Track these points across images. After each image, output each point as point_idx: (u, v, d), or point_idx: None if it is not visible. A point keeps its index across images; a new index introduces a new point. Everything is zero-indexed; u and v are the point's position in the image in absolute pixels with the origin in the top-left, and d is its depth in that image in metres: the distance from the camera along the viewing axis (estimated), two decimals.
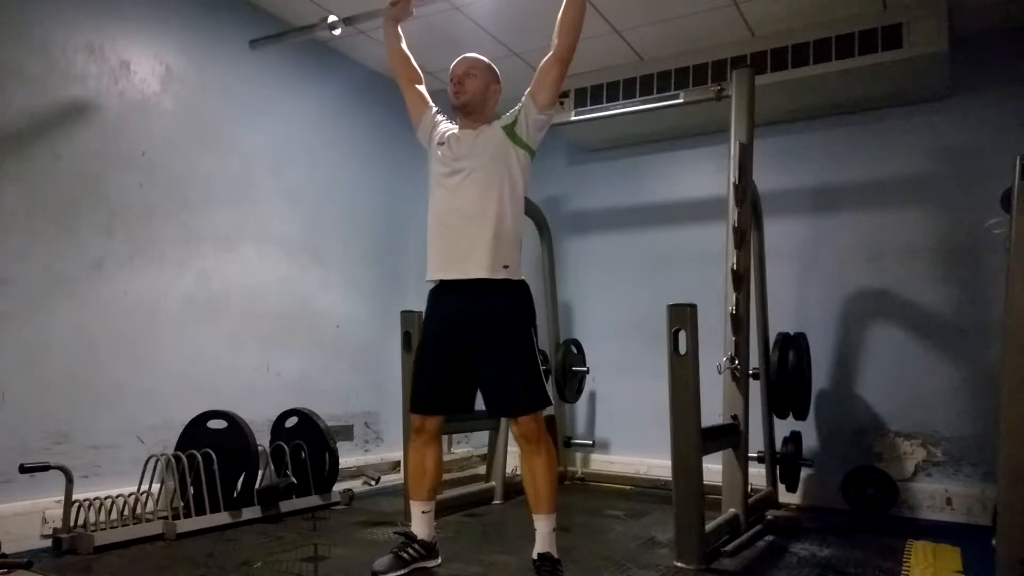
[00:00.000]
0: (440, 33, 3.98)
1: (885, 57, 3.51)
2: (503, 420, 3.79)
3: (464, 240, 2.33)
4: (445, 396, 2.44)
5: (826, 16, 3.67)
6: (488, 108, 2.46)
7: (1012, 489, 2.38)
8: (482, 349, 2.34)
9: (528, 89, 2.40)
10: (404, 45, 2.69)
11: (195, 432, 3.16)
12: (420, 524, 2.47)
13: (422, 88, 2.62)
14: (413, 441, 2.49)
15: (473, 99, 2.41)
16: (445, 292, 2.41)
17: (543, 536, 2.31)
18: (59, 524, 2.66)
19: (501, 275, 2.33)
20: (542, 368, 2.38)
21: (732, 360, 3.04)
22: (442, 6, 3.70)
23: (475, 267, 2.32)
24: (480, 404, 2.47)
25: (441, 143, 2.45)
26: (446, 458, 4.63)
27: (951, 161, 3.82)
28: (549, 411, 4.69)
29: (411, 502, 2.51)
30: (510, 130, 2.38)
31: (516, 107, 2.42)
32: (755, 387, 3.46)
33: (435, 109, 2.58)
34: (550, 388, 4.49)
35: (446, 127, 2.51)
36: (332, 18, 3.14)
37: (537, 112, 2.37)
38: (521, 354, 2.33)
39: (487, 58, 2.54)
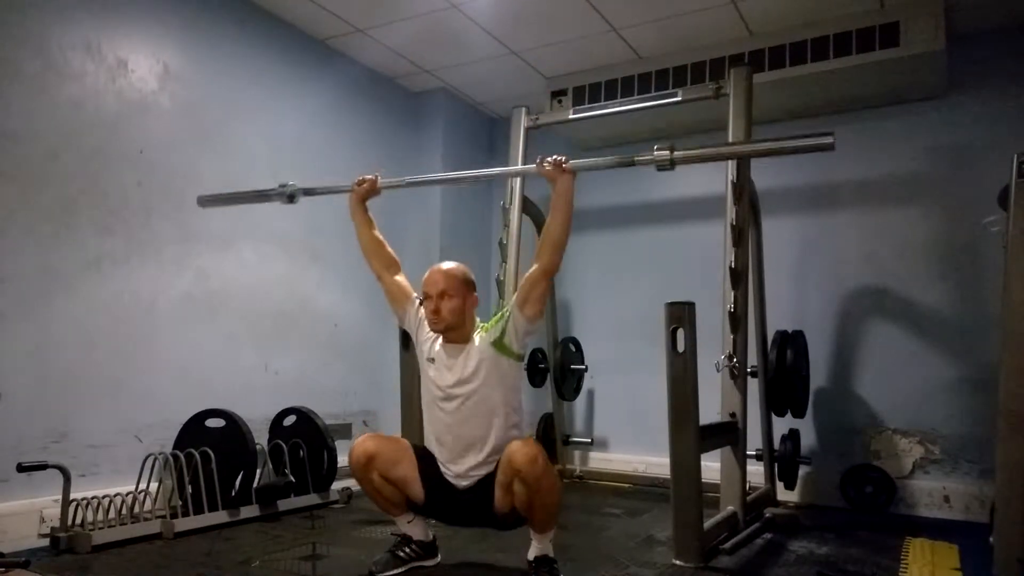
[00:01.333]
0: (438, 31, 3.98)
1: (882, 55, 3.52)
2: None
3: (470, 457, 2.33)
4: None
5: (824, 15, 3.68)
6: (468, 322, 2.39)
7: (1009, 486, 2.38)
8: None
9: (513, 299, 2.38)
10: (376, 230, 2.57)
11: (193, 431, 3.16)
12: (411, 529, 2.46)
13: (400, 278, 2.54)
14: (363, 473, 2.35)
15: (453, 321, 2.34)
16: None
17: (539, 545, 2.31)
18: (57, 523, 2.65)
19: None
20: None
21: (730, 358, 3.04)
22: (440, 4, 3.70)
23: (481, 473, 2.33)
24: None
25: (431, 359, 2.40)
26: None
27: (948, 159, 3.82)
28: (548, 409, 4.71)
29: (392, 518, 2.49)
30: (499, 344, 2.34)
31: (502, 315, 2.37)
32: (753, 385, 3.47)
33: (418, 302, 2.47)
34: (549, 386, 4.50)
35: (430, 332, 2.42)
36: (292, 184, 2.84)
37: (526, 324, 2.33)
38: None
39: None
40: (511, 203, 3.97)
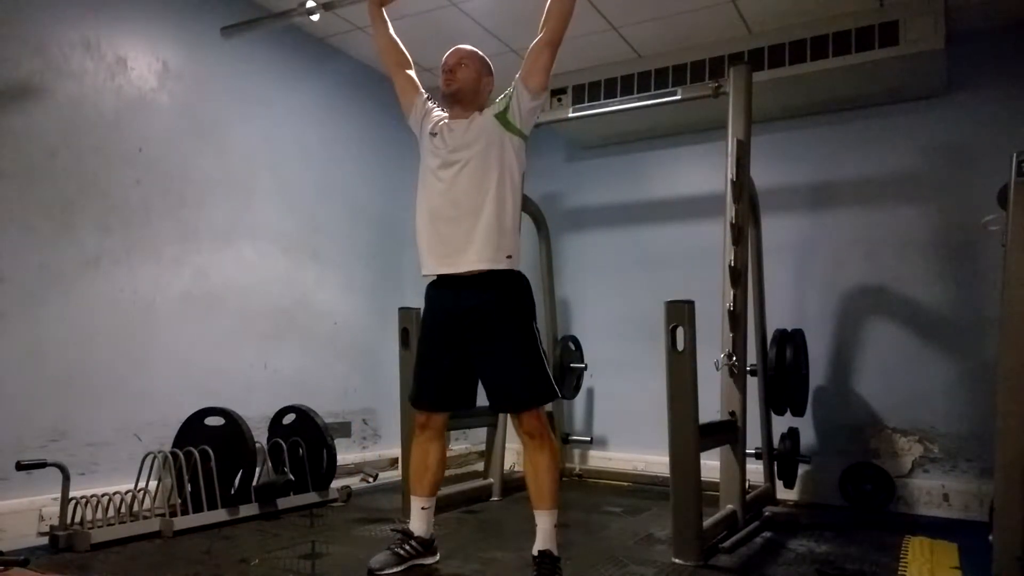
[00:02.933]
0: (436, 29, 3.97)
1: (882, 54, 3.52)
2: (501, 417, 3.79)
3: (462, 232, 2.31)
4: (448, 392, 2.43)
5: (823, 13, 3.67)
6: (480, 99, 2.44)
7: (1008, 485, 2.38)
8: (483, 343, 2.32)
9: (518, 74, 2.38)
10: (391, 30, 2.63)
11: (192, 429, 3.15)
12: (419, 520, 2.46)
13: (411, 73, 2.59)
14: (417, 436, 2.47)
15: (465, 88, 2.39)
16: (444, 286, 2.40)
17: (544, 532, 2.30)
18: (56, 521, 2.65)
19: (503, 265, 2.32)
20: (546, 362, 2.37)
21: (730, 356, 3.04)
22: (439, 2, 3.69)
23: (475, 259, 2.30)
24: (481, 398, 2.46)
25: (433, 133, 2.42)
26: None
27: (948, 158, 3.82)
28: (548, 408, 4.71)
29: (412, 497, 2.50)
30: (502, 117, 2.36)
31: (506, 92, 2.39)
32: (753, 383, 3.47)
33: (426, 95, 2.54)
34: None
35: (437, 115, 2.48)
36: (310, 3, 2.96)
37: (529, 98, 2.34)
38: (523, 348, 2.31)
39: (483, 53, 2.52)
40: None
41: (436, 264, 2.38)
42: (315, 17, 3.08)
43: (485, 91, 2.47)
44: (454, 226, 2.32)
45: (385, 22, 2.65)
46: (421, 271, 2.44)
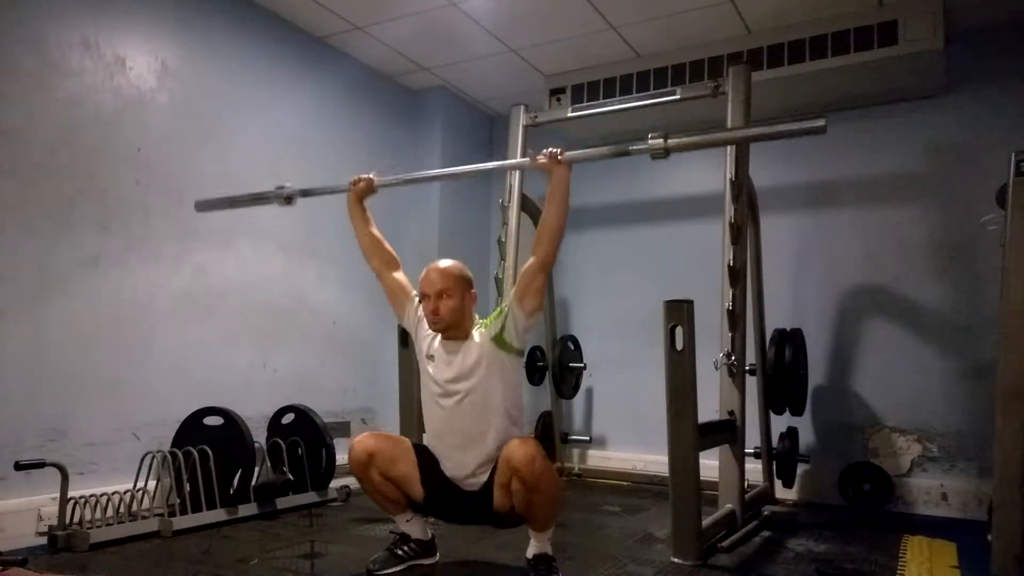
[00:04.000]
0: (437, 29, 3.97)
1: (881, 54, 3.52)
2: None
3: (468, 457, 2.32)
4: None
5: (822, 13, 3.68)
6: (467, 320, 2.38)
7: (1007, 484, 2.39)
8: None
9: (512, 294, 2.37)
10: (374, 228, 2.57)
11: (191, 429, 3.15)
12: (410, 528, 2.46)
13: (400, 275, 2.53)
14: (363, 471, 2.35)
15: (452, 320, 2.33)
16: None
17: (537, 544, 2.30)
18: (55, 521, 2.65)
19: None
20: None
21: (729, 356, 3.04)
22: (439, 1, 3.69)
23: (482, 481, 2.32)
24: None
25: (430, 356, 2.39)
26: None
27: (947, 157, 3.82)
28: (547, 407, 4.70)
29: (391, 516, 2.49)
30: (499, 339, 2.33)
31: (502, 311, 2.37)
32: (752, 383, 3.47)
33: (417, 300, 2.45)
34: (547, 384, 4.50)
35: (431, 331, 2.41)
36: (289, 185, 2.82)
37: (524, 318, 2.33)
38: None
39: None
40: (510, 201, 3.97)
41: (444, 467, 2.38)
42: (292, 204, 2.88)
43: (470, 308, 2.41)
44: (461, 452, 2.33)
45: (368, 220, 2.58)
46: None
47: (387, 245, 2.57)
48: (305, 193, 2.86)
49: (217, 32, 3.60)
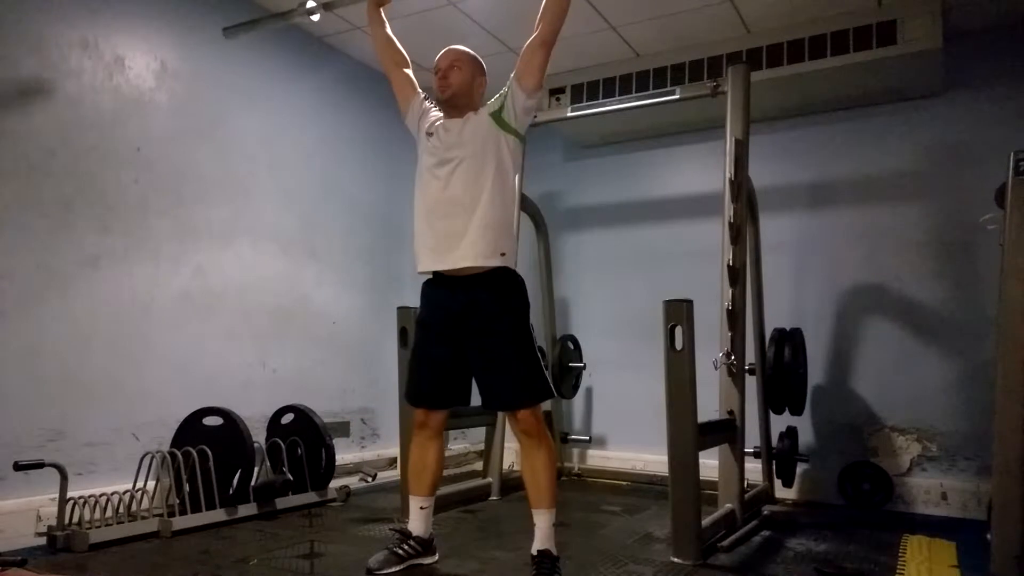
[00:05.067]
0: (434, 28, 3.97)
1: (880, 54, 3.52)
2: (500, 416, 3.79)
3: (457, 230, 2.30)
4: (444, 388, 2.43)
5: (821, 13, 3.68)
6: (474, 100, 2.44)
7: (1007, 483, 2.39)
8: (478, 340, 2.32)
9: (512, 73, 2.37)
10: (388, 30, 2.65)
11: (191, 429, 3.15)
12: (417, 520, 2.46)
13: (409, 72, 2.60)
14: (415, 436, 2.47)
15: (459, 92, 2.39)
16: (439, 283, 2.40)
17: (543, 531, 2.30)
18: (54, 522, 2.64)
19: (497, 262, 2.31)
20: (541, 361, 2.36)
21: (728, 356, 3.04)
22: (437, 1, 3.69)
23: (470, 256, 2.29)
24: (476, 398, 2.46)
25: (430, 133, 2.43)
26: None
27: (946, 157, 3.83)
28: (546, 407, 4.72)
29: (410, 497, 2.50)
30: (497, 116, 2.36)
31: (501, 92, 2.39)
32: (751, 383, 3.47)
33: (423, 95, 2.56)
34: None
35: (434, 115, 2.49)
36: (311, 3, 2.93)
37: (524, 97, 2.34)
38: (517, 346, 2.30)
39: (477, 53, 2.52)
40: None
41: (431, 260, 2.38)
42: (315, 17, 3.04)
43: (478, 91, 2.47)
44: (449, 223, 2.32)
45: (383, 22, 2.66)
46: (417, 268, 2.44)
47: (398, 45, 2.64)
48: (328, 6, 2.99)
49: (216, 32, 3.59)
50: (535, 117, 2.50)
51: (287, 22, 3.13)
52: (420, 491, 2.46)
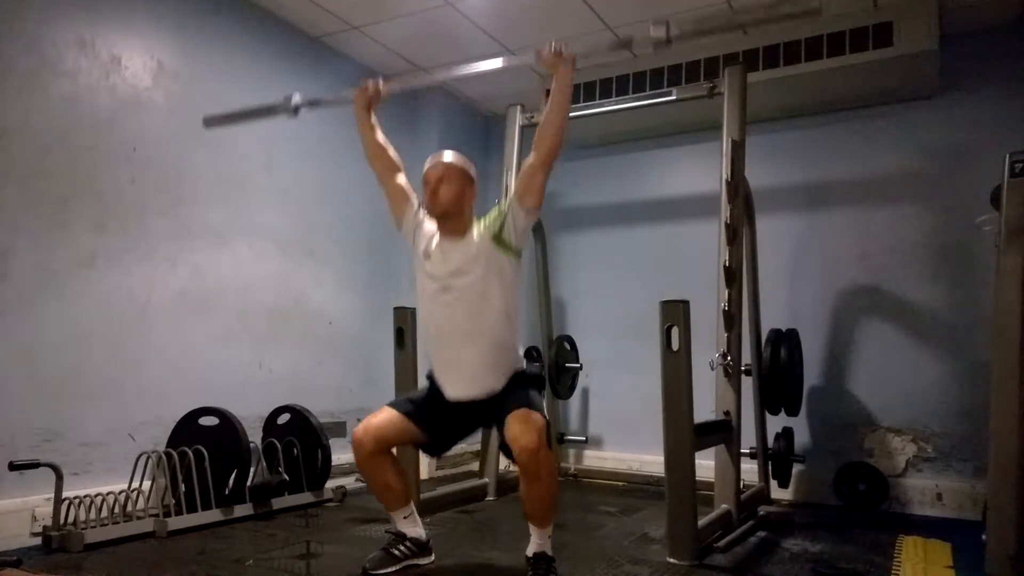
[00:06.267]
0: (433, 29, 3.97)
1: (876, 55, 3.53)
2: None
3: (466, 361, 2.33)
4: (452, 441, 2.51)
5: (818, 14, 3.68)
6: (466, 212, 2.38)
7: (1001, 484, 2.40)
8: (489, 420, 2.41)
9: (512, 192, 2.37)
10: (380, 135, 2.56)
11: (187, 429, 3.15)
12: (406, 526, 2.46)
13: (402, 179, 2.53)
14: (360, 462, 2.37)
15: (450, 208, 2.34)
16: (452, 402, 2.40)
17: (539, 540, 2.30)
18: (49, 522, 2.64)
19: (506, 382, 2.35)
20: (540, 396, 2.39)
21: (724, 356, 3.05)
22: (435, 1, 3.69)
23: (482, 387, 2.33)
24: None
25: (427, 255, 2.39)
26: None
27: (941, 158, 3.84)
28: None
29: (388, 512, 2.48)
30: (498, 238, 2.33)
31: (500, 210, 2.37)
32: (747, 383, 3.48)
33: (416, 204, 2.47)
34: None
35: (428, 228, 2.43)
36: (296, 99, 2.76)
37: (524, 217, 2.34)
38: (522, 390, 2.34)
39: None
40: (503, 198, 3.97)
41: (446, 387, 2.39)
42: (299, 113, 2.83)
43: (470, 202, 2.41)
44: (457, 354, 2.34)
45: (373, 127, 2.57)
46: (432, 375, 2.45)
47: (391, 151, 2.57)
48: (313, 104, 2.83)
49: (213, 31, 3.60)
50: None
51: (270, 117, 2.96)
52: (395, 506, 2.44)
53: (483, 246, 2.33)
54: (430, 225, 2.44)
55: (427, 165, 2.41)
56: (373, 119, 2.57)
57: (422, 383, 2.59)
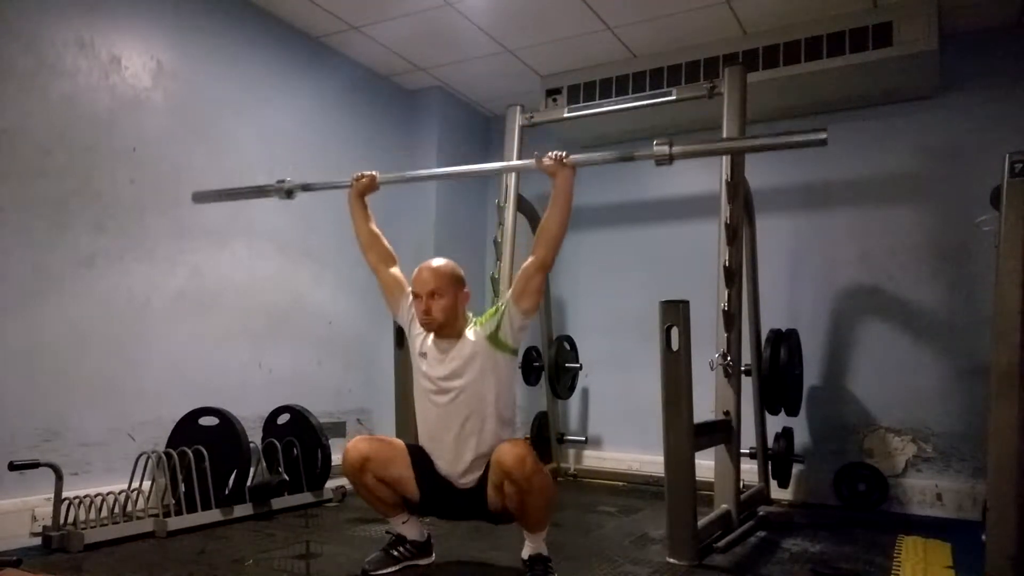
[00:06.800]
0: (433, 29, 3.97)
1: (875, 55, 3.54)
2: None
3: (462, 456, 2.31)
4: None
5: (817, 14, 3.69)
6: (460, 318, 2.37)
7: (1001, 484, 2.39)
8: None
9: (509, 293, 2.38)
10: (374, 224, 2.58)
11: (186, 429, 3.15)
12: (405, 529, 2.45)
13: (396, 270, 2.54)
14: (353, 478, 2.37)
15: (444, 320, 2.33)
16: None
17: (532, 544, 2.30)
18: (49, 522, 2.64)
19: None
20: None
21: (724, 356, 3.05)
22: (435, 1, 3.69)
23: (472, 478, 2.33)
24: None
25: (423, 353, 2.39)
26: None
27: (941, 158, 3.84)
28: (542, 407, 4.70)
29: (386, 519, 2.48)
30: (494, 338, 2.33)
31: (497, 309, 2.37)
32: (747, 383, 3.48)
33: (411, 297, 2.44)
34: (543, 385, 4.50)
35: (423, 330, 2.42)
36: (289, 182, 2.80)
37: (520, 317, 2.33)
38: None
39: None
40: (506, 201, 3.97)
41: (438, 460, 2.37)
42: (293, 198, 2.87)
43: (463, 306, 2.40)
44: (455, 451, 2.32)
45: (367, 216, 2.59)
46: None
47: (385, 241, 2.58)
48: (307, 188, 2.85)
49: (213, 31, 3.59)
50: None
51: (262, 197, 2.98)
52: (391, 513, 2.44)
53: (478, 347, 2.33)
54: None
55: (415, 276, 2.38)
56: (368, 210, 2.60)
57: None
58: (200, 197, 3.05)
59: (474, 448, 2.31)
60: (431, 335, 2.40)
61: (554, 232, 2.33)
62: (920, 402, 3.75)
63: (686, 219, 4.42)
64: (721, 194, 3.20)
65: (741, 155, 3.24)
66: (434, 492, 2.36)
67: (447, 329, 2.35)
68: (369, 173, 2.61)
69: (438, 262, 2.41)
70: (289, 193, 2.83)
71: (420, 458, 2.39)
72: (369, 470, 2.32)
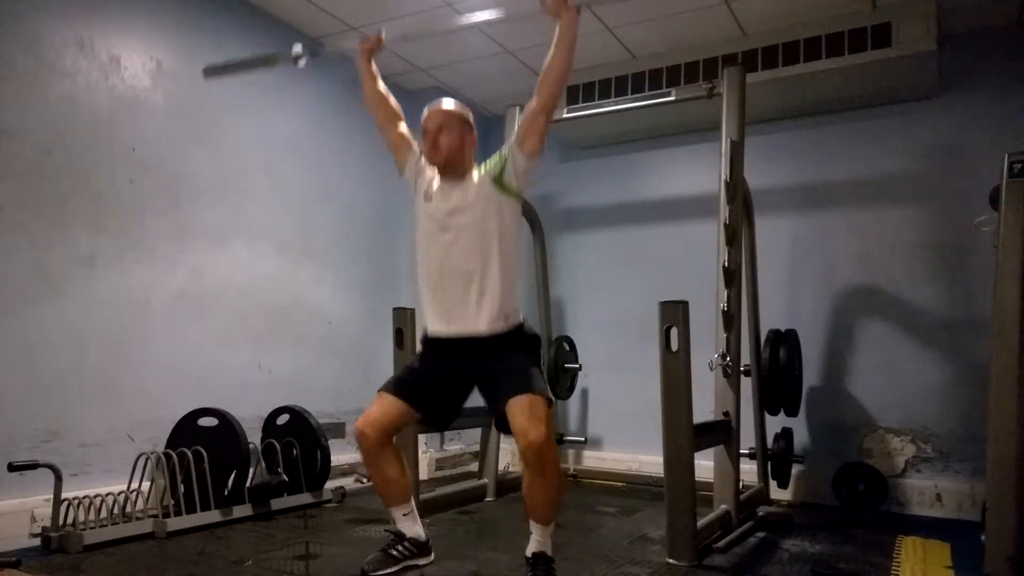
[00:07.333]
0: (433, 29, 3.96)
1: (874, 56, 3.54)
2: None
3: (462, 299, 2.30)
4: (451, 412, 2.47)
5: (816, 15, 3.69)
6: (467, 158, 2.38)
7: (1001, 485, 2.40)
8: (485, 377, 2.33)
9: (513, 137, 2.38)
10: (381, 84, 2.58)
11: (186, 430, 3.14)
12: (405, 525, 2.45)
13: (402, 127, 2.55)
14: (364, 455, 2.42)
15: (450, 156, 2.34)
16: (445, 345, 2.37)
17: (539, 539, 2.29)
18: (48, 523, 2.64)
19: (502, 327, 2.31)
20: (544, 378, 2.34)
21: (724, 357, 3.05)
22: (435, 2, 3.69)
23: (476, 324, 2.30)
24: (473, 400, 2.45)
25: (427, 197, 2.39)
26: (438, 455, 4.65)
27: (940, 159, 3.84)
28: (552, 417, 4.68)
29: (388, 508, 2.48)
30: (498, 180, 2.34)
31: (501, 154, 2.38)
32: (746, 384, 3.48)
33: (418, 151, 2.48)
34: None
35: (430, 173, 2.43)
36: (297, 48, 2.78)
37: (525, 160, 2.33)
38: (521, 363, 2.30)
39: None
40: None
41: (439, 325, 2.36)
42: (301, 63, 2.84)
43: (470, 149, 2.42)
44: (453, 293, 2.32)
45: (375, 76, 2.59)
46: (424, 330, 2.43)
47: (392, 100, 2.59)
48: (314, 53, 2.84)
49: (212, 32, 3.59)
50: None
51: (269, 67, 2.97)
52: (394, 502, 2.44)
53: (483, 187, 2.34)
54: (431, 170, 2.45)
55: (424, 115, 2.41)
56: (374, 68, 2.61)
57: None
58: (211, 71, 2.99)
59: (481, 287, 2.28)
60: (436, 179, 2.40)
61: (556, 75, 2.32)
62: (919, 402, 3.76)
63: (686, 219, 4.42)
64: (720, 194, 3.20)
65: (739, 155, 3.24)
66: (435, 388, 2.38)
67: (453, 167, 2.36)
68: (375, 34, 2.61)
69: (448, 101, 2.44)
70: (297, 60, 2.81)
71: (410, 383, 2.43)
72: (380, 443, 2.40)
